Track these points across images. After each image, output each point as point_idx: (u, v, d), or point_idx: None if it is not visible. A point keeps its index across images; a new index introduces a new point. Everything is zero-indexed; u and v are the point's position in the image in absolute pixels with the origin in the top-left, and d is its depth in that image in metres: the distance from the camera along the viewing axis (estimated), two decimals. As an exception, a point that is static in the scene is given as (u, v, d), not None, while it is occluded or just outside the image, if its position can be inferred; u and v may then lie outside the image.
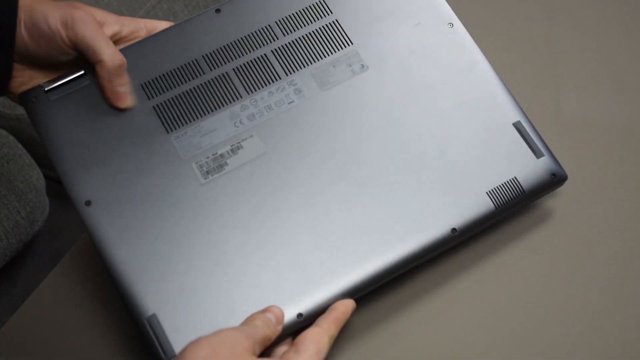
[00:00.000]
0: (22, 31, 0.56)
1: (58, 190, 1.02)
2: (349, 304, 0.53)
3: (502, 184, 0.56)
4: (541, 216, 0.63)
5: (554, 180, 0.58)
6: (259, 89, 0.58)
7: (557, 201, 0.63)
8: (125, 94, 0.57)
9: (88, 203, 0.54)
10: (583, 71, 0.70)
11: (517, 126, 0.58)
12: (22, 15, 0.56)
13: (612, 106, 0.68)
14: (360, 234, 0.54)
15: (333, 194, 0.55)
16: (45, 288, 0.64)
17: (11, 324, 0.62)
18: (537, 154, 0.58)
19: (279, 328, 0.51)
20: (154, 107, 0.57)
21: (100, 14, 0.58)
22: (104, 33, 0.57)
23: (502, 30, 0.73)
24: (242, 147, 0.56)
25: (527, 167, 0.57)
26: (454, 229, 0.55)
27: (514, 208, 0.57)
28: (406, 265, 0.54)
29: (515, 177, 0.57)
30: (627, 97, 0.69)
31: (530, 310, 0.59)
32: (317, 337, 0.50)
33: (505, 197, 0.56)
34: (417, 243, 0.54)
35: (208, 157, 0.56)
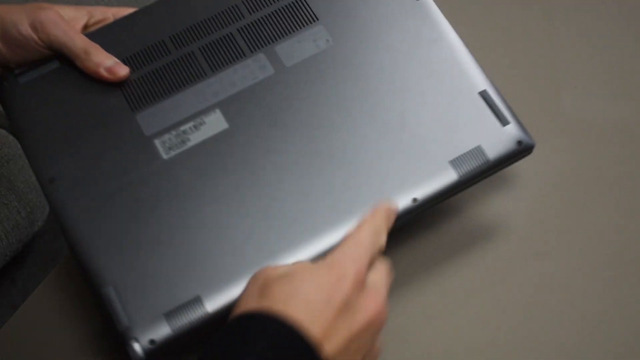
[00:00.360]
0: None
1: (58, 190, 1.02)
2: (392, 206, 0.52)
3: (466, 153, 0.55)
4: (541, 216, 0.63)
5: (521, 148, 0.56)
6: (224, 66, 0.59)
7: (558, 201, 0.63)
8: (117, 64, 0.58)
9: (52, 180, 0.55)
10: (583, 71, 0.70)
11: (483, 95, 0.57)
12: None
13: (612, 106, 0.68)
14: (322, 205, 0.54)
15: (295, 166, 0.55)
16: (45, 288, 0.64)
17: (11, 324, 0.63)
18: (503, 121, 0.57)
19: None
20: (120, 87, 0.58)
21: (67, 11, 0.60)
22: (74, 29, 0.59)
23: (501, 31, 0.73)
24: (204, 123, 0.57)
25: (492, 136, 0.56)
26: (415, 199, 0.54)
27: (478, 177, 0.56)
28: None
29: (480, 146, 0.55)
30: (627, 97, 0.69)
31: (530, 310, 0.59)
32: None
33: (469, 166, 0.55)
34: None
35: (171, 134, 0.56)
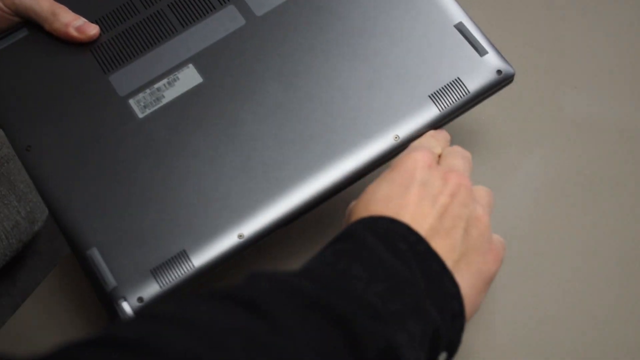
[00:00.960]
0: None
1: (58, 190, 1.02)
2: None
3: (445, 86, 0.55)
4: (541, 216, 0.63)
5: (501, 77, 0.56)
6: (195, 21, 0.58)
7: (557, 201, 0.63)
8: (86, 23, 0.58)
9: (28, 148, 0.55)
10: (583, 71, 0.70)
11: (459, 27, 0.57)
12: None
13: (612, 106, 0.68)
14: (303, 151, 0.53)
15: (273, 114, 0.55)
16: (45, 288, 0.64)
17: (11, 324, 0.62)
18: (481, 52, 0.56)
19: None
20: (90, 50, 0.58)
21: None
22: None
23: (501, 31, 0.73)
24: (178, 79, 0.57)
25: (470, 67, 0.55)
26: (396, 136, 0.54)
27: (459, 110, 0.56)
28: (352, 177, 0.54)
29: (459, 78, 0.55)
30: (627, 97, 0.69)
31: (530, 310, 0.59)
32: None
33: (449, 99, 0.55)
34: (360, 152, 0.53)
35: (145, 92, 0.56)
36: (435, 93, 0.54)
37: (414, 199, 0.46)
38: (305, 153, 0.53)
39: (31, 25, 0.59)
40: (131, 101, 0.56)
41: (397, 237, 0.44)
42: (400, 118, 0.54)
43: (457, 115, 0.56)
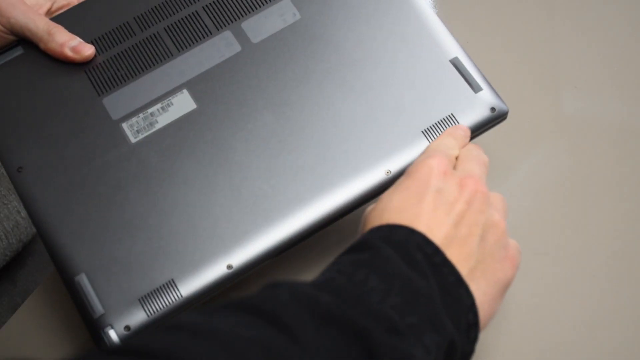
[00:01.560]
0: None
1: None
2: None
3: (439, 122, 0.54)
4: (541, 216, 0.63)
5: (494, 114, 0.55)
6: (191, 45, 0.58)
7: (557, 201, 0.63)
8: (81, 43, 0.58)
9: (20, 169, 0.54)
10: (583, 71, 0.70)
11: (455, 62, 0.57)
12: None
13: (612, 106, 0.68)
14: (294, 182, 0.53)
15: (266, 144, 0.54)
16: (45, 288, 0.64)
17: (11, 324, 0.62)
18: (475, 88, 0.56)
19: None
20: (85, 71, 0.58)
21: None
22: (34, 11, 0.58)
23: (501, 30, 0.73)
24: (172, 104, 0.56)
25: (464, 103, 0.55)
26: (388, 171, 0.53)
27: None
28: (342, 210, 0.53)
29: (452, 114, 0.55)
30: (627, 97, 0.69)
31: (530, 310, 0.59)
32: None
33: None
34: (351, 185, 0.53)
35: (139, 117, 0.56)
36: (428, 129, 0.54)
37: (429, 208, 0.45)
38: (296, 184, 0.53)
39: (26, 43, 0.59)
40: (124, 125, 0.55)
41: (413, 247, 0.43)
42: (392, 152, 0.54)
43: None
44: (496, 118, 0.56)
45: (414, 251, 0.43)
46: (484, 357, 0.57)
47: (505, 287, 0.47)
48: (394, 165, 0.53)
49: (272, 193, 0.53)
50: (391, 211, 0.46)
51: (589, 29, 0.73)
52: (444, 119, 0.54)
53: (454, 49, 0.57)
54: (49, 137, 0.56)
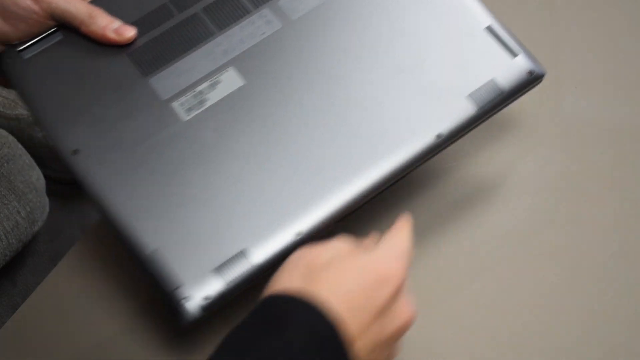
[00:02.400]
0: None
1: (58, 190, 1.02)
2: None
3: (481, 86, 0.57)
4: (541, 216, 0.63)
5: (532, 77, 0.58)
6: (230, 24, 0.59)
7: (558, 201, 0.63)
8: (123, 25, 0.58)
9: (75, 152, 0.55)
10: (583, 71, 0.70)
11: (490, 29, 0.59)
12: None
13: (613, 106, 0.68)
14: (350, 148, 0.55)
15: (316, 115, 0.56)
16: (45, 288, 0.64)
17: (11, 324, 0.63)
18: (512, 53, 0.58)
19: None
20: (127, 54, 0.58)
21: None
22: None
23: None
24: (220, 82, 0.57)
25: (503, 68, 0.58)
26: (439, 135, 0.55)
27: (495, 109, 0.58)
28: (399, 171, 0.55)
29: (494, 78, 0.57)
30: (627, 97, 0.69)
31: (530, 310, 0.59)
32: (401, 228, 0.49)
33: (486, 99, 0.57)
34: (405, 151, 0.55)
35: (188, 95, 0.57)
36: (472, 93, 0.56)
37: (368, 317, 0.44)
38: (353, 150, 0.54)
39: (65, 29, 0.59)
40: (174, 104, 0.56)
41: (329, 348, 0.43)
42: (441, 117, 0.56)
43: (492, 115, 0.58)
44: (534, 80, 0.58)
45: (320, 346, 0.42)
46: (484, 357, 0.57)
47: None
48: (444, 128, 0.55)
49: (331, 160, 0.54)
50: (341, 296, 0.44)
51: (589, 29, 0.73)
52: (485, 84, 0.57)
53: (487, 17, 0.59)
54: (100, 119, 0.56)
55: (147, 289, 0.62)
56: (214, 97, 0.57)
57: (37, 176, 0.90)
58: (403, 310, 0.46)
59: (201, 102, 0.56)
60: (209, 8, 0.60)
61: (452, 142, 0.57)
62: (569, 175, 0.64)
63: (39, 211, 0.89)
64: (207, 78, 0.57)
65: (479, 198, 0.64)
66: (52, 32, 0.59)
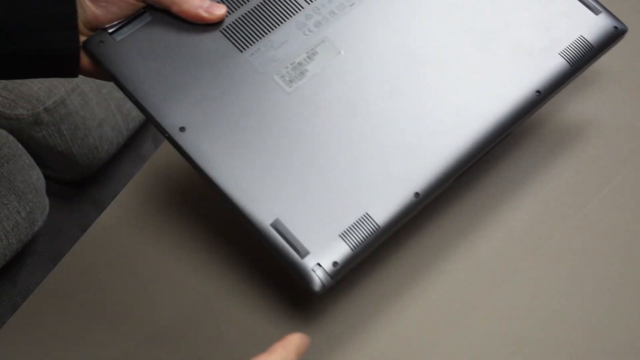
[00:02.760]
0: (87, 4, 0.57)
1: (58, 190, 1.03)
2: (304, 339, 0.49)
3: (571, 43, 0.59)
4: (542, 216, 0.63)
5: (617, 32, 0.61)
6: None
7: (558, 201, 0.63)
8: (213, 3, 0.58)
9: (182, 129, 0.55)
10: (583, 71, 0.70)
11: None
12: None
13: (613, 106, 0.68)
14: (457, 110, 0.56)
15: (418, 78, 0.57)
16: (45, 288, 0.64)
17: (11, 324, 0.62)
18: (595, 11, 0.61)
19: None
20: (220, 30, 0.59)
21: None
22: None
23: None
24: (317, 53, 0.58)
25: (589, 25, 0.61)
26: (538, 91, 0.58)
27: (586, 65, 0.60)
28: (504, 127, 0.57)
29: (582, 35, 0.60)
30: (628, 97, 0.69)
31: (531, 310, 0.59)
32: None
33: (577, 55, 0.59)
34: (510, 107, 0.57)
35: (287, 67, 0.57)
36: (564, 50, 0.59)
37: None
38: (458, 111, 0.56)
39: (153, 9, 0.59)
40: (276, 77, 0.57)
41: None
42: (538, 75, 0.58)
43: (583, 70, 0.60)
44: (619, 35, 0.61)
45: None
46: (484, 357, 0.57)
47: None
48: (542, 84, 0.58)
49: (441, 120, 0.56)
50: None
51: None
52: (575, 40, 0.60)
53: None
54: (203, 96, 0.56)
55: (148, 288, 0.62)
56: (313, 67, 0.57)
57: (37, 176, 0.90)
58: None
59: (302, 73, 0.57)
60: None
61: (549, 98, 0.59)
62: (569, 176, 0.64)
63: (39, 211, 0.89)
64: (303, 49, 0.58)
65: (480, 199, 0.64)
66: (141, 14, 0.59)
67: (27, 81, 0.92)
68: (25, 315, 0.63)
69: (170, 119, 0.55)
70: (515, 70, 0.58)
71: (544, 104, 0.59)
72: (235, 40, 0.58)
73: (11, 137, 0.88)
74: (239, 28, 0.59)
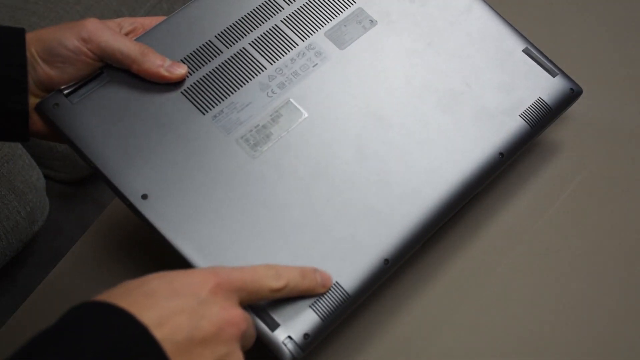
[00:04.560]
0: (40, 65, 0.55)
1: (58, 190, 1.03)
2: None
3: (531, 105, 0.60)
4: (542, 216, 0.63)
5: (573, 94, 0.62)
6: (281, 57, 0.59)
7: (558, 201, 0.63)
8: (174, 63, 0.57)
9: (145, 197, 0.53)
10: (586, 72, 0.70)
11: (527, 52, 0.62)
12: (33, 50, 0.55)
13: (614, 107, 0.68)
14: (422, 173, 0.56)
15: (383, 140, 0.57)
16: (45, 288, 0.64)
17: (11, 324, 0.63)
18: (552, 73, 0.62)
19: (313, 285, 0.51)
20: (182, 92, 0.57)
21: (104, 22, 0.58)
22: (122, 35, 0.57)
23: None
24: (281, 115, 0.57)
25: (547, 86, 0.61)
26: (501, 153, 0.58)
27: (545, 126, 0.61)
28: (471, 189, 0.57)
29: (540, 97, 0.61)
30: (628, 98, 0.69)
31: (532, 310, 0.59)
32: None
33: (536, 117, 0.60)
34: (473, 169, 0.57)
35: (251, 131, 0.56)
36: (524, 112, 0.60)
37: (169, 309, 0.43)
38: (426, 175, 0.56)
39: (110, 69, 0.57)
40: (240, 141, 0.56)
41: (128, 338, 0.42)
42: (501, 137, 0.59)
43: (542, 132, 0.61)
44: (575, 97, 0.62)
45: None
46: (484, 357, 0.57)
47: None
48: (504, 147, 0.59)
49: (406, 186, 0.56)
50: (135, 295, 0.44)
51: (591, 29, 0.73)
52: (534, 103, 0.60)
53: (522, 41, 0.63)
54: (165, 161, 0.54)
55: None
56: (278, 130, 0.56)
57: (37, 176, 0.90)
58: (218, 312, 0.43)
59: (267, 137, 0.56)
60: (256, 42, 0.59)
61: (511, 160, 0.59)
62: (570, 176, 0.64)
63: (39, 211, 0.89)
64: (267, 112, 0.57)
65: (481, 199, 0.64)
66: (98, 74, 0.57)
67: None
68: (25, 315, 0.63)
69: (132, 187, 0.53)
70: (478, 133, 0.58)
71: (506, 165, 0.59)
72: (197, 102, 0.57)
73: (11, 137, 0.88)
74: (201, 89, 0.57)
